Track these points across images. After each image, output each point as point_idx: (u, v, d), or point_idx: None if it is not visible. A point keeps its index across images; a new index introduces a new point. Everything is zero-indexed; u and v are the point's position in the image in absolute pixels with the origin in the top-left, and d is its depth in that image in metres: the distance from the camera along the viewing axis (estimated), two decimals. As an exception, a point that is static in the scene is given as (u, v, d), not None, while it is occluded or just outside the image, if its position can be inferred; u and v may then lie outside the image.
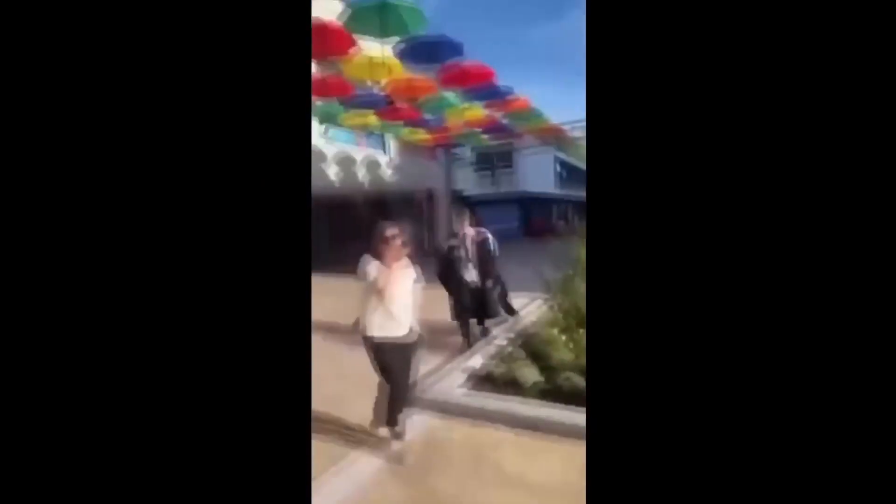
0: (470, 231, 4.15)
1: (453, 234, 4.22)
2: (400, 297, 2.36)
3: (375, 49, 4.95)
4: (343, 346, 4.40)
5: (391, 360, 2.35)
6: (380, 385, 2.46)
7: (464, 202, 12.59)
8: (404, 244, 2.38)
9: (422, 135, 9.10)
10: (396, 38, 4.62)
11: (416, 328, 2.47)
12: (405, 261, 2.43)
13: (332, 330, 5.05)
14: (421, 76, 5.68)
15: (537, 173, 20.25)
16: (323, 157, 9.89)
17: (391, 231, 2.35)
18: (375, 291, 2.31)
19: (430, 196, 13.56)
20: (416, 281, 2.46)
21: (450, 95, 6.25)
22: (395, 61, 5.08)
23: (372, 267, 2.33)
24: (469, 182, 18.74)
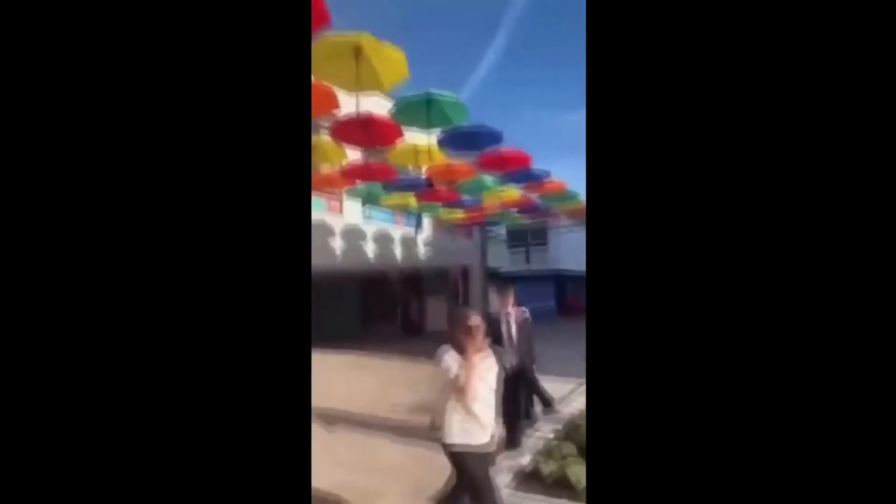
0: (513, 311, 4.03)
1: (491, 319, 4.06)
2: (482, 395, 2.08)
3: (420, 138, 5.29)
4: (375, 433, 4.19)
5: (472, 471, 2.04)
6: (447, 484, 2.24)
7: (504, 280, 12.53)
8: (487, 334, 2.10)
9: (458, 214, 9.37)
10: (440, 128, 4.94)
11: (498, 432, 2.17)
12: (487, 351, 2.14)
13: (364, 417, 4.85)
14: (460, 161, 5.97)
15: (572, 251, 20.18)
16: (362, 235, 10.27)
17: (474, 321, 2.06)
18: (456, 390, 2.02)
19: (465, 273, 13.62)
20: (497, 373, 2.18)
21: (487, 179, 6.49)
22: (437, 149, 5.39)
23: (451, 359, 2.05)
24: (503, 259, 18.82)
